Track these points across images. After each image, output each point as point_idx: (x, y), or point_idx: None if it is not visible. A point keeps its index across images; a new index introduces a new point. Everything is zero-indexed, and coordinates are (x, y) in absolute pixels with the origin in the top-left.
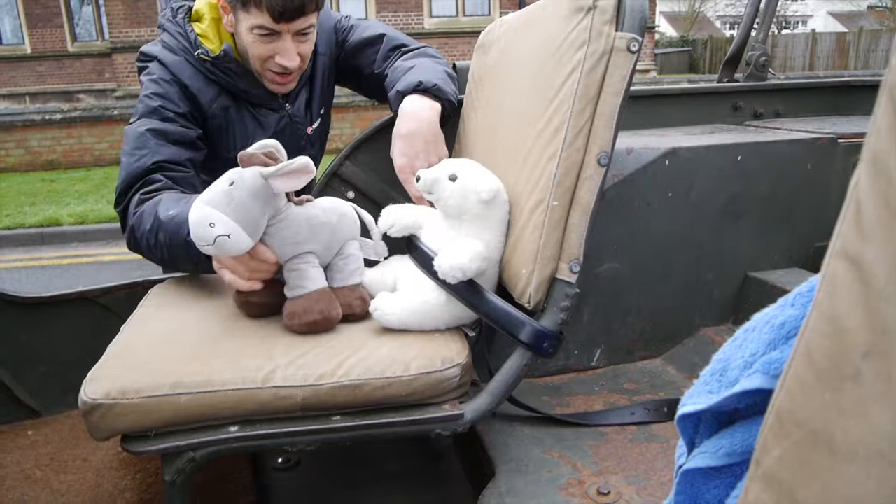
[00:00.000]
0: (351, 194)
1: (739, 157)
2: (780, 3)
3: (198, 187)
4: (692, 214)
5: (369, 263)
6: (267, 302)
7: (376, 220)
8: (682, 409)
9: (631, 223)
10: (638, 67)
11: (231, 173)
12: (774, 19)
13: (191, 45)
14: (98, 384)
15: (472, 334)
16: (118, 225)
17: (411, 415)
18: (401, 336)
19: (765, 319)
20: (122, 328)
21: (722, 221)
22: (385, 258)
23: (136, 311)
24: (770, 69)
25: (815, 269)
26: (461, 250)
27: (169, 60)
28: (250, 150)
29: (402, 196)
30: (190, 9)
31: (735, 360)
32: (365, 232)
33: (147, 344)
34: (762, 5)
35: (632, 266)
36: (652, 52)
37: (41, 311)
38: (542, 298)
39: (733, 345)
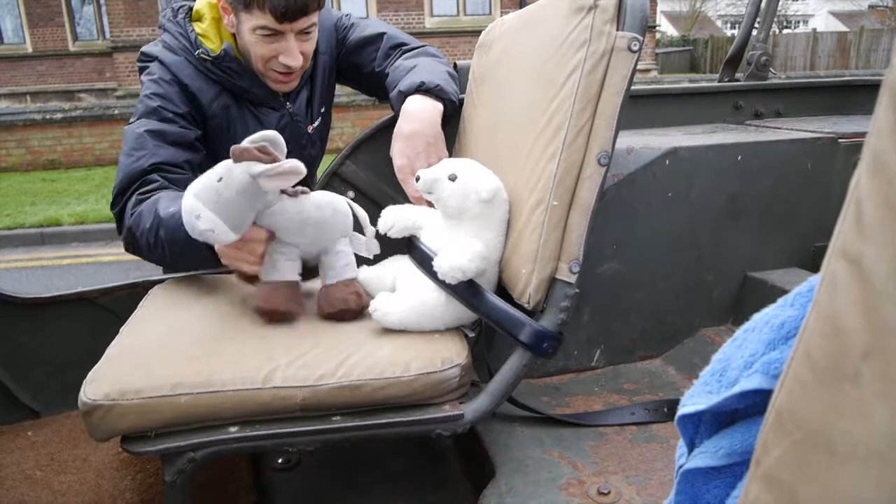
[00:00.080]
0: (351, 194)
1: (740, 157)
2: (781, 3)
3: None
4: (692, 214)
5: (363, 262)
6: (282, 310)
7: (376, 220)
8: (682, 410)
9: (631, 223)
10: (639, 67)
11: (220, 167)
12: (775, 19)
13: (191, 45)
14: (98, 385)
15: (471, 335)
16: None
17: (411, 415)
18: (401, 336)
19: (764, 319)
20: (121, 329)
21: (722, 221)
22: (376, 256)
23: (135, 311)
24: (771, 69)
25: (815, 269)
26: (461, 251)
27: (169, 60)
28: (244, 143)
29: (402, 196)
30: (190, 9)
31: (735, 361)
32: (360, 228)
33: (147, 344)
34: (763, 5)
35: (632, 266)
36: (653, 51)
37: (41, 311)
38: (542, 298)
39: (733, 345)
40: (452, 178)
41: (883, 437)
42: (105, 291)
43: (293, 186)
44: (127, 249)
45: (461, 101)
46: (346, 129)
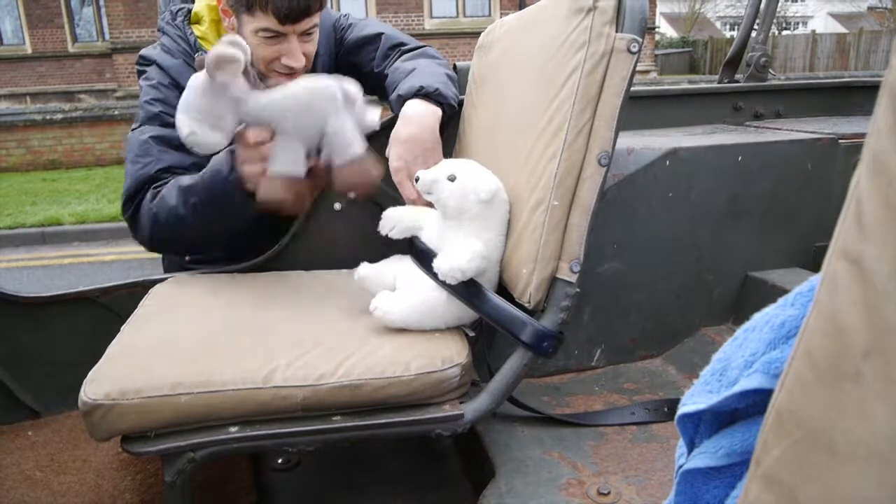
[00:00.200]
0: (351, 194)
1: (740, 158)
2: (780, 4)
3: None
4: (692, 214)
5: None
6: (277, 197)
7: (376, 221)
8: (682, 409)
9: (631, 223)
10: (638, 68)
11: (187, 85)
12: (774, 20)
13: (190, 48)
14: (98, 384)
15: (472, 334)
16: (119, 224)
17: (411, 415)
18: (401, 336)
19: (765, 319)
20: (122, 328)
21: (722, 221)
22: (374, 258)
23: (136, 311)
24: (770, 70)
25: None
26: (460, 251)
27: (168, 64)
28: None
29: (402, 196)
30: (189, 11)
31: (735, 360)
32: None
33: (147, 344)
34: (762, 6)
35: (632, 266)
36: (652, 52)
37: (41, 310)
38: (543, 298)
39: (733, 344)
40: (452, 179)
41: (884, 436)
42: (105, 291)
43: (269, 79)
44: (149, 244)
45: (461, 103)
46: None
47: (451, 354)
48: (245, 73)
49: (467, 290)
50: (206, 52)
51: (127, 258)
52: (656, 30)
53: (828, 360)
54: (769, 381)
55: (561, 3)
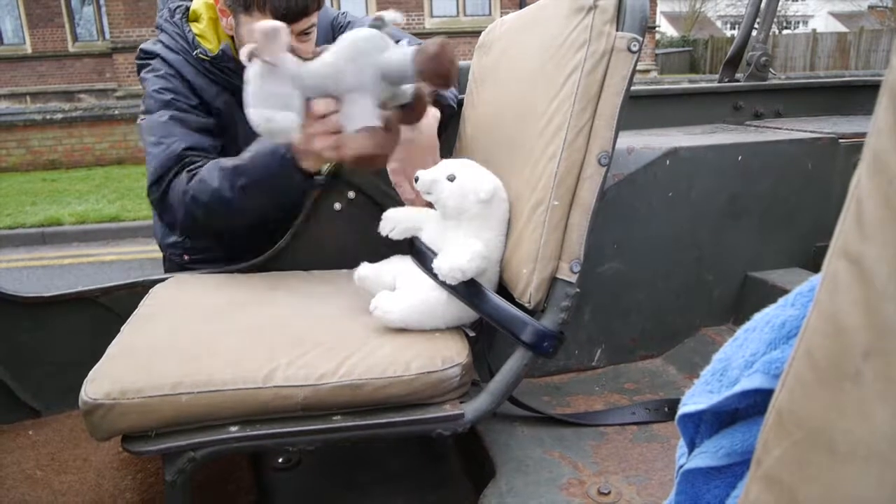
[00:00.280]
0: (351, 194)
1: (740, 157)
2: (780, 4)
3: None
4: (693, 214)
5: (363, 259)
6: (367, 154)
7: (377, 222)
8: (683, 409)
9: (631, 223)
10: (639, 67)
11: (245, 77)
12: (775, 19)
13: (189, 45)
14: (98, 384)
15: (472, 334)
16: (119, 224)
17: (412, 415)
18: (401, 336)
19: (765, 319)
20: (122, 328)
21: (722, 221)
22: (374, 258)
23: (136, 310)
24: (771, 69)
25: (816, 268)
26: (460, 251)
27: (171, 58)
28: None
29: (401, 197)
30: (187, 9)
31: (736, 360)
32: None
33: (147, 344)
34: (763, 5)
35: (632, 266)
36: (652, 52)
37: (42, 310)
38: (543, 298)
39: (734, 344)
40: (451, 179)
41: (884, 437)
42: (106, 291)
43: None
44: (185, 227)
45: (461, 102)
46: None
47: (451, 354)
48: (292, 51)
49: (467, 289)
50: (204, 49)
51: (127, 258)
52: (657, 29)
53: (828, 360)
54: (770, 382)
55: (561, 3)
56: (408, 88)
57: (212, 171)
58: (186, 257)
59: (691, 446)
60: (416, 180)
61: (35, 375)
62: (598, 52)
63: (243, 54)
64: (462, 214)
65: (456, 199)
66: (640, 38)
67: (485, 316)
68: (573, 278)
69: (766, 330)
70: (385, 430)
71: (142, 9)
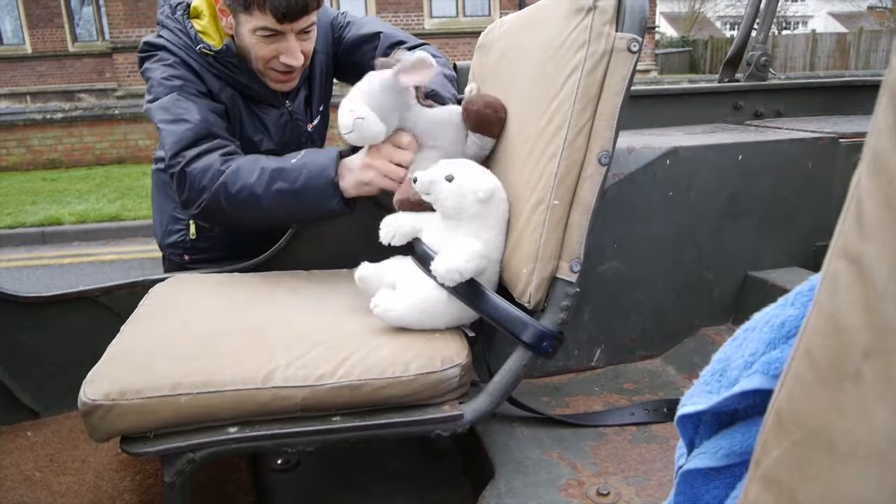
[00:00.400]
0: None
1: (740, 157)
2: (780, 4)
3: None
4: (693, 214)
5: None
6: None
7: (377, 222)
8: (682, 410)
9: (631, 222)
10: (638, 67)
11: (363, 79)
12: (774, 20)
13: (191, 41)
14: (97, 385)
15: (471, 334)
16: (119, 224)
17: (411, 415)
18: (401, 336)
19: (765, 319)
20: (122, 328)
21: (722, 221)
22: (373, 260)
23: (136, 310)
24: (770, 69)
25: (816, 268)
26: (457, 252)
27: (176, 51)
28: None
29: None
30: (188, 6)
31: (735, 360)
32: None
33: (147, 344)
34: (762, 6)
35: (632, 265)
36: (652, 52)
37: (41, 310)
38: (543, 298)
39: (733, 344)
40: (449, 179)
41: (884, 436)
42: (106, 290)
43: (424, 101)
44: (199, 207)
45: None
46: None
47: (450, 355)
48: (418, 88)
49: (467, 289)
50: (207, 44)
51: (127, 258)
52: (656, 29)
53: (828, 360)
54: (769, 382)
55: (561, 3)
56: None
57: (251, 165)
58: (186, 257)
59: (690, 447)
60: (415, 181)
61: (34, 376)
62: (597, 53)
63: (379, 63)
64: (461, 214)
65: (455, 200)
66: (640, 39)
67: (484, 315)
68: (573, 278)
69: (765, 330)
70: (384, 430)
71: (141, 9)
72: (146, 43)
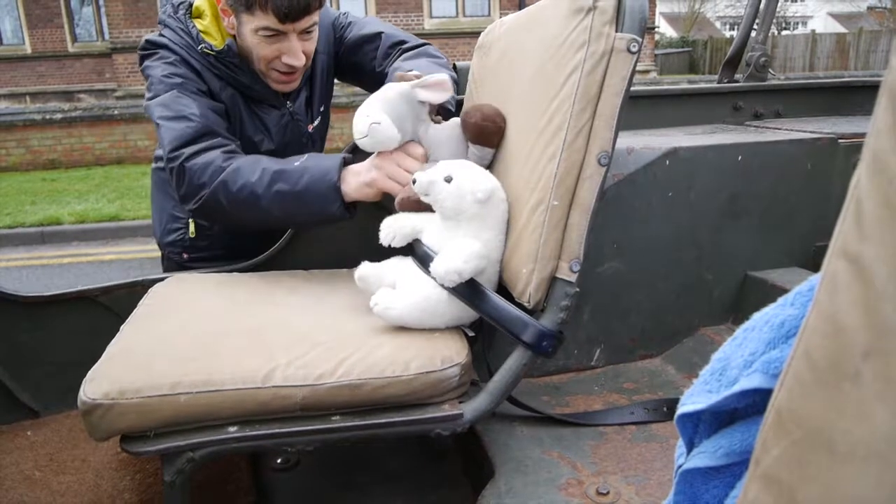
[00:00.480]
0: None
1: (740, 157)
2: (779, 4)
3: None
4: (692, 214)
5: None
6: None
7: (377, 222)
8: (682, 409)
9: (631, 223)
10: (638, 68)
11: (382, 87)
12: (774, 20)
13: (193, 41)
14: (97, 384)
15: (471, 334)
16: (118, 224)
17: (411, 415)
18: (400, 336)
19: (764, 319)
20: (121, 328)
21: (722, 221)
22: (372, 260)
23: (135, 310)
24: (770, 69)
25: (816, 268)
26: (455, 253)
27: (177, 50)
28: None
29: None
30: (190, 5)
31: (735, 360)
32: None
33: (146, 343)
34: (762, 6)
35: (632, 265)
36: (652, 52)
37: (41, 310)
38: (543, 297)
39: (733, 344)
40: (448, 180)
41: (883, 437)
42: (105, 290)
43: (434, 116)
44: (197, 203)
45: (459, 102)
46: (346, 129)
47: (450, 354)
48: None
49: (467, 289)
50: (209, 44)
51: (126, 258)
52: (656, 30)
53: (827, 360)
54: (768, 381)
55: (561, 3)
56: None
57: (253, 165)
58: (185, 256)
59: (690, 446)
60: (414, 182)
61: (34, 375)
62: (597, 53)
63: (398, 76)
64: (460, 215)
65: (454, 200)
66: (640, 39)
67: (484, 315)
68: (573, 278)
69: (765, 329)
70: (384, 430)
71: (141, 9)
72: (147, 41)
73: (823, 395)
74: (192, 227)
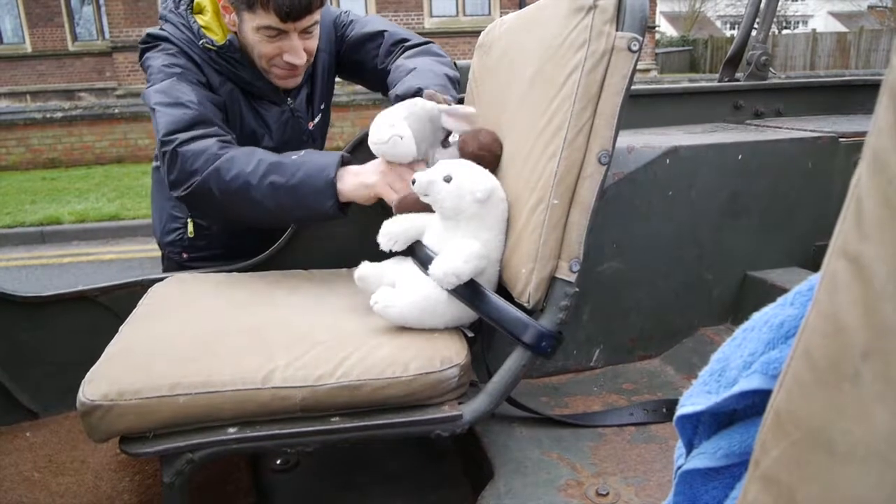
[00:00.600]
0: None
1: (740, 156)
2: (780, 3)
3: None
4: (692, 213)
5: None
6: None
7: (378, 223)
8: (681, 410)
9: (631, 222)
10: (639, 67)
11: (411, 100)
12: (775, 19)
13: (194, 36)
14: (96, 385)
15: (470, 335)
16: (118, 223)
17: (410, 416)
18: (400, 336)
19: (764, 319)
20: (121, 328)
21: (722, 220)
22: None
23: (135, 310)
24: (771, 68)
25: (816, 268)
26: (455, 253)
27: (178, 43)
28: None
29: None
30: (192, 1)
31: (734, 360)
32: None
33: (146, 344)
34: (762, 5)
35: (632, 265)
36: (652, 51)
37: (40, 310)
38: (542, 297)
39: (732, 344)
40: (447, 180)
41: (883, 437)
42: (105, 290)
43: (445, 141)
44: (187, 190)
45: (460, 101)
46: (346, 128)
47: (449, 355)
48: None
49: (467, 289)
50: (210, 39)
51: (126, 257)
52: (656, 28)
53: (827, 361)
54: (768, 382)
55: (561, 2)
56: None
57: (248, 156)
58: (185, 255)
59: (689, 447)
60: (413, 182)
61: (33, 376)
62: (598, 52)
63: (427, 94)
64: (460, 215)
65: (453, 200)
66: (640, 38)
67: (484, 315)
68: (572, 278)
69: (764, 330)
70: (383, 430)
71: (141, 8)
72: (148, 34)
73: (823, 395)
74: (190, 227)
